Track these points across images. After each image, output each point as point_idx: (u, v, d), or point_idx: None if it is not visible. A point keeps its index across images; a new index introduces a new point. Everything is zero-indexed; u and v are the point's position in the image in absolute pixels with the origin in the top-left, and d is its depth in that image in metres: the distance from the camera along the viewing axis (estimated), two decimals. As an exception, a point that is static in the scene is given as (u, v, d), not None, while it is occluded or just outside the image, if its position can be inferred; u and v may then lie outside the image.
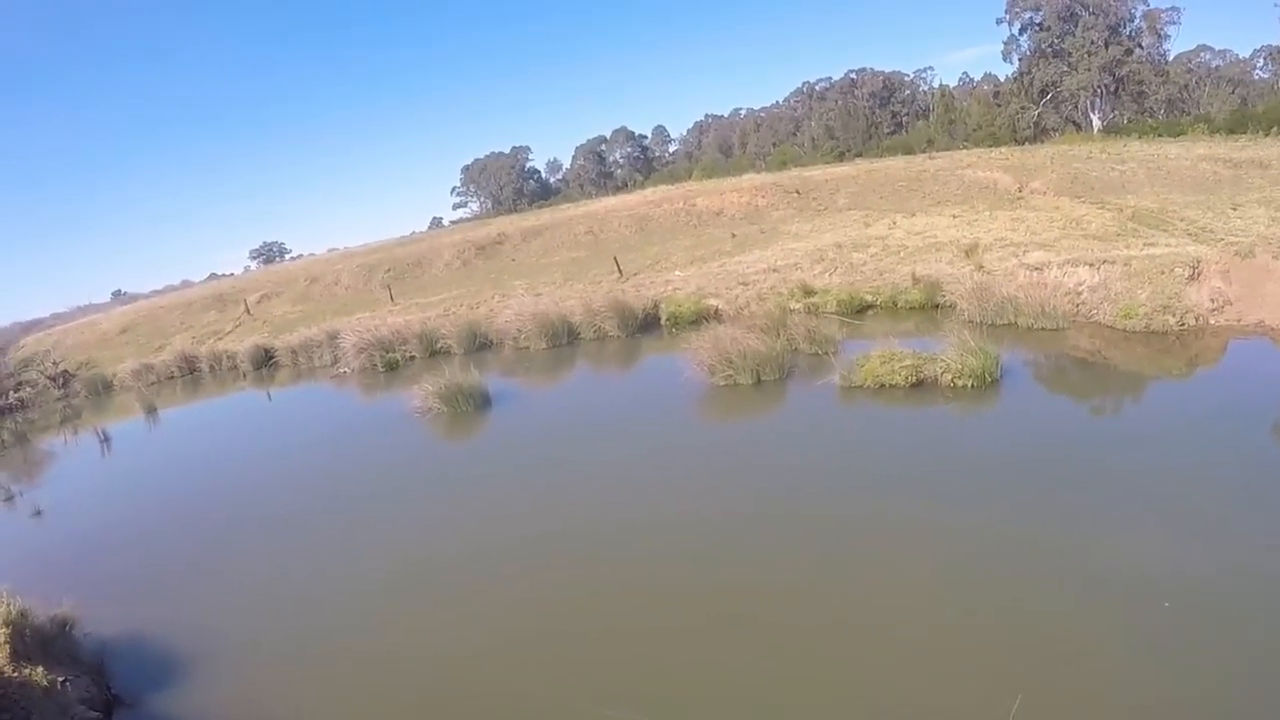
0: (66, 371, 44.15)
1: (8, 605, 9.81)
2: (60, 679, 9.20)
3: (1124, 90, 65.23)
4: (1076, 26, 64.20)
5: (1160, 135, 49.31)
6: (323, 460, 19.69)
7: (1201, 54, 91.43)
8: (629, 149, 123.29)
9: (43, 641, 10.00)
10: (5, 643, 9.16)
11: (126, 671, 10.49)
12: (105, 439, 26.91)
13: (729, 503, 12.41)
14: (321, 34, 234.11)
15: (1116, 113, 65.50)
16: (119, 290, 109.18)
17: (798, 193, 41.28)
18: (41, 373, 44.26)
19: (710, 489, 13.09)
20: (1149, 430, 12.79)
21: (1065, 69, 64.96)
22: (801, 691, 7.81)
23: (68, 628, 10.67)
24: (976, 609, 8.55)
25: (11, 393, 42.71)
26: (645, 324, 26.08)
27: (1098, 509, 10.03)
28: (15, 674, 8.81)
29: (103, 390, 40.96)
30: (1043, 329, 18.00)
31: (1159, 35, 67.31)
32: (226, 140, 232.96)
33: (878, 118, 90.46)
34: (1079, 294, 18.56)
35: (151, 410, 30.87)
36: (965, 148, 59.30)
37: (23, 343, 54.61)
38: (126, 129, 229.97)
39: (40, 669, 9.07)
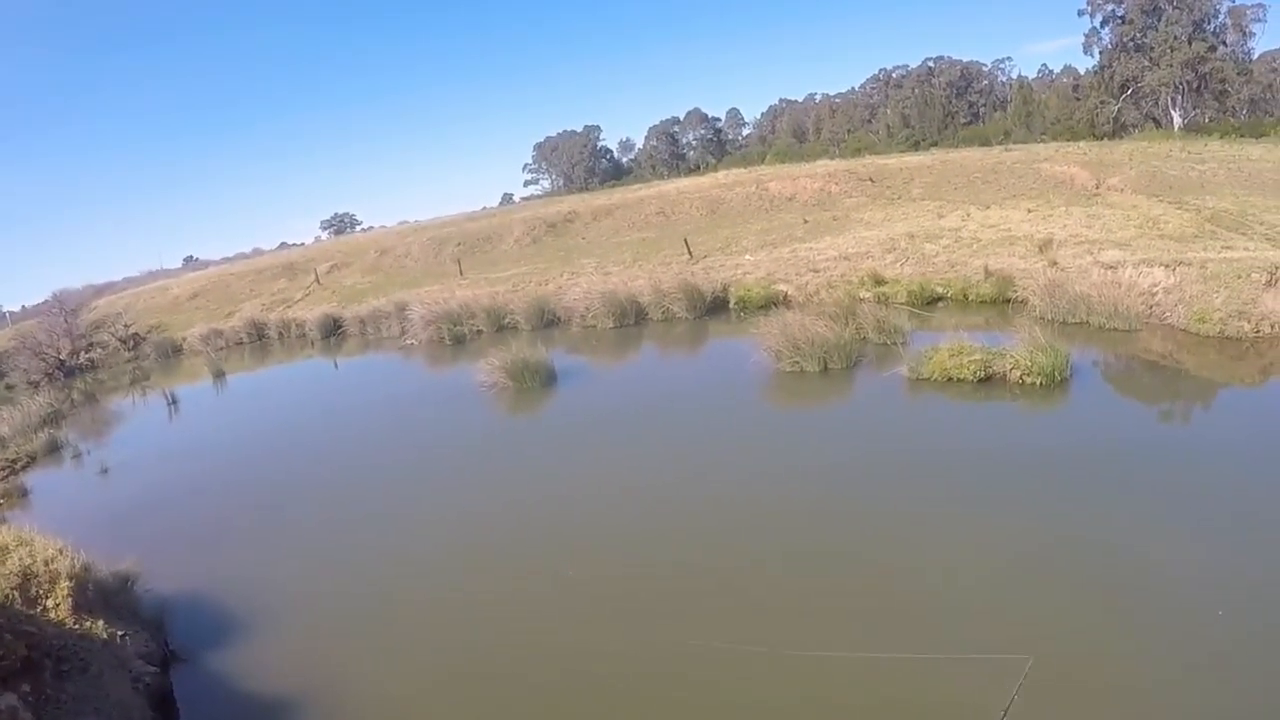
0: (137, 334, 45.11)
1: (72, 559, 9.79)
2: (120, 633, 9.16)
3: (1206, 88, 62.33)
4: (1159, 21, 61.53)
5: (1242, 136, 47.93)
6: (385, 429, 19.63)
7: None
8: (702, 131, 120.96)
9: (104, 596, 10.00)
10: (68, 595, 9.12)
11: (185, 627, 10.59)
12: (172, 401, 27.26)
13: (787, 488, 12.14)
14: (400, 12, 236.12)
15: (1198, 111, 62.81)
16: (191, 256, 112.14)
17: (871, 180, 40.34)
18: (112, 334, 45.30)
19: (769, 473, 12.77)
20: (1215, 438, 12.33)
21: (1147, 64, 62.20)
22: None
23: (129, 583, 10.72)
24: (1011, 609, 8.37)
25: (83, 353, 43.66)
26: (713, 307, 25.63)
27: (1155, 515, 9.65)
28: (76, 626, 8.78)
29: (172, 353, 41.79)
30: (1115, 329, 17.46)
31: (1243, 33, 64.86)
32: (301, 112, 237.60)
33: (954, 107, 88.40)
34: (1153, 295, 17.90)
35: (219, 374, 31.22)
36: (1043, 141, 57.77)
37: (95, 305, 55.92)
38: (203, 99, 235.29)
39: (101, 622, 9.05)
